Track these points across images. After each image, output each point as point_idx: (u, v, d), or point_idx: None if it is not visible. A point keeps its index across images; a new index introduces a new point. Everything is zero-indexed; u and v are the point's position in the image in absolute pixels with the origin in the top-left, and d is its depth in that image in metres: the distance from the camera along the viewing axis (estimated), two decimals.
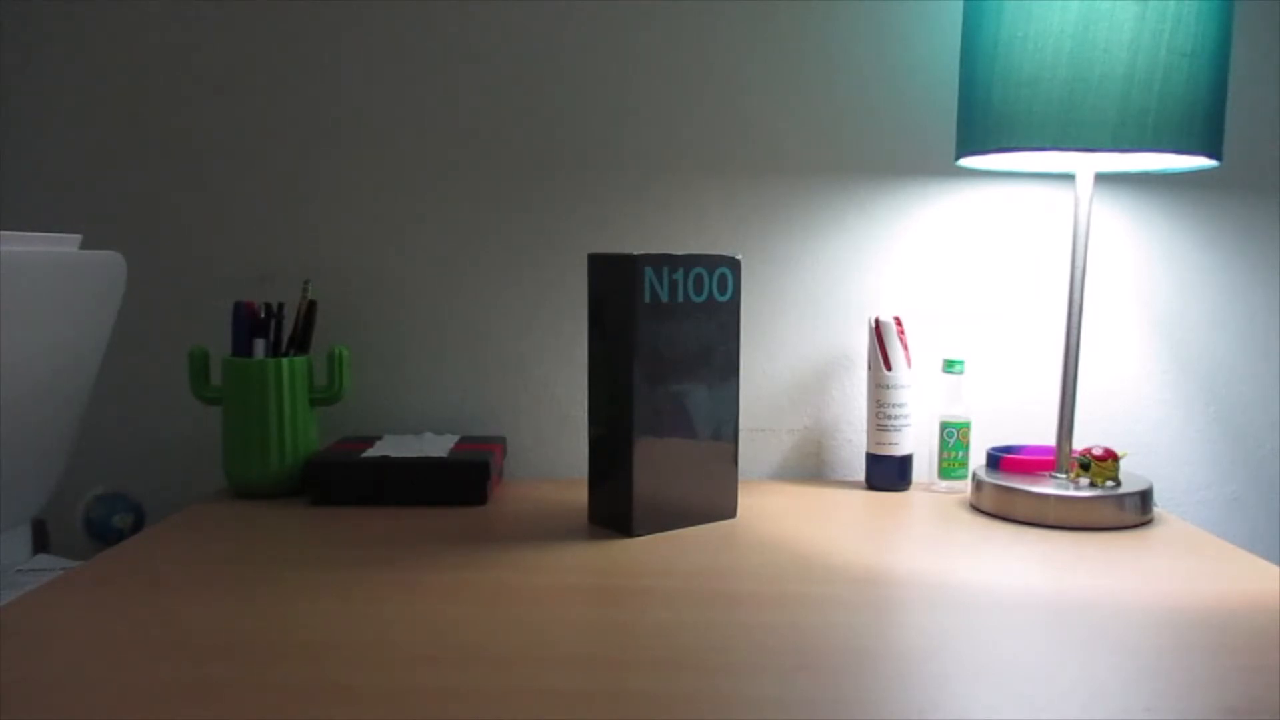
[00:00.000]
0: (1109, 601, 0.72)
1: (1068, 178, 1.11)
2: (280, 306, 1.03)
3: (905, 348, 1.04)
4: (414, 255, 1.13)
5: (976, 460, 1.12)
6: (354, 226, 1.12)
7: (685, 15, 1.09)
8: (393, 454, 1.00)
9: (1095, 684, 0.59)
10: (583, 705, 0.55)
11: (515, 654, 0.62)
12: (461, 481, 0.98)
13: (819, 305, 1.13)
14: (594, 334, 0.91)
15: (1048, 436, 1.14)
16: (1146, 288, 1.12)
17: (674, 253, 1.06)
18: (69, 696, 0.56)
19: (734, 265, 0.93)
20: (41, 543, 1.04)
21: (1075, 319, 0.97)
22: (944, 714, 0.55)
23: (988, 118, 0.90)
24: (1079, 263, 0.96)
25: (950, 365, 1.05)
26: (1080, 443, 1.14)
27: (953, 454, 1.05)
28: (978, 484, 0.99)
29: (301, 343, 1.04)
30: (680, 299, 0.89)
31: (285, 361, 1.00)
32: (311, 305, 1.04)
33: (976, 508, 0.99)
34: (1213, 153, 0.88)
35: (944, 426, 1.05)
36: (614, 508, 0.90)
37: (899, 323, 1.04)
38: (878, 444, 1.06)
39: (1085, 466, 0.96)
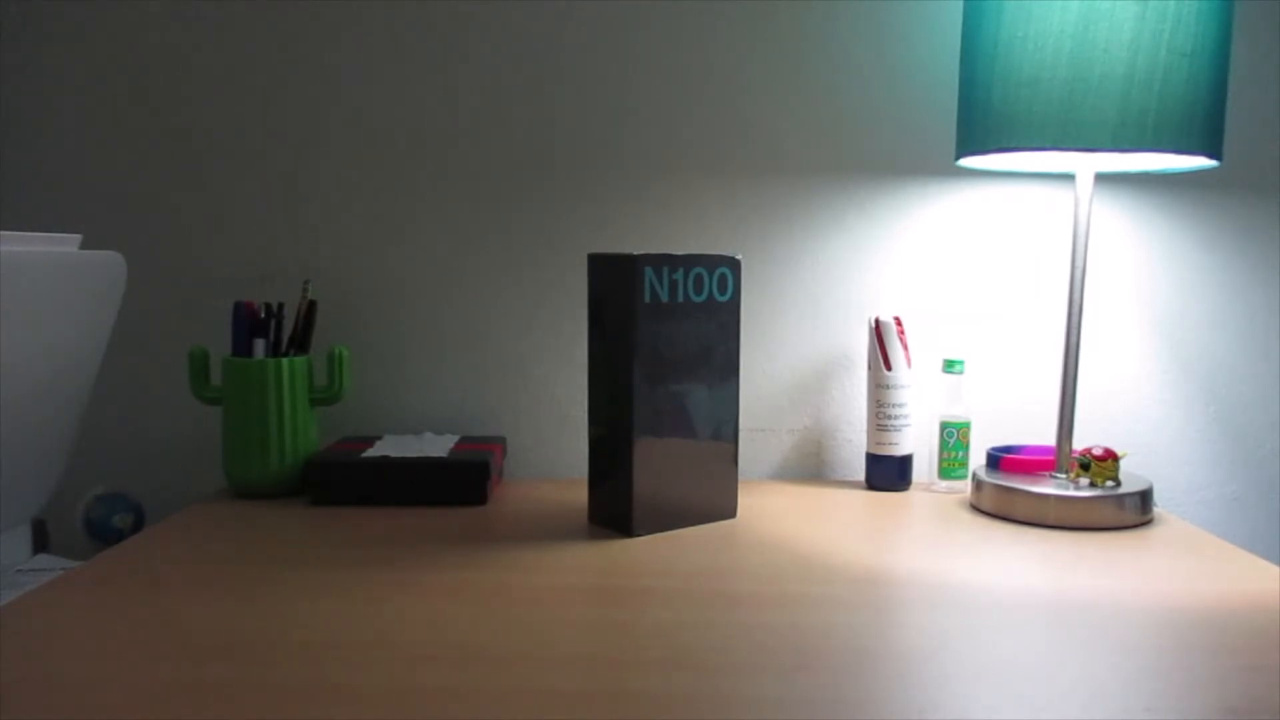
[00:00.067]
0: (1109, 601, 0.72)
1: (1068, 178, 1.11)
2: (280, 306, 1.03)
3: (905, 348, 1.04)
4: (414, 255, 1.13)
5: (976, 460, 1.12)
6: (354, 226, 1.12)
7: (685, 15, 1.09)
8: (393, 454, 1.00)
9: (1095, 684, 0.59)
10: (583, 705, 0.55)
11: (515, 654, 0.62)
12: (461, 481, 0.98)
13: (819, 305, 1.13)
14: (594, 334, 0.91)
15: (1048, 436, 1.14)
16: (1146, 288, 1.12)
17: (674, 253, 1.06)
18: (69, 696, 0.56)
19: (734, 265, 0.93)
20: (41, 543, 1.04)
21: (1075, 319, 0.97)
22: (944, 714, 0.55)
23: (988, 118, 0.90)
24: (1079, 263, 0.96)
25: (950, 365, 1.05)
26: (1080, 443, 1.14)
27: (953, 454, 1.05)
28: (978, 484, 0.99)
29: (301, 343, 1.04)
30: (680, 299, 0.89)
31: (285, 361, 1.00)
32: (311, 305, 1.04)
33: (976, 508, 0.99)
34: (1213, 153, 0.88)
35: (944, 426, 1.05)
36: (614, 508, 0.90)
37: (899, 323, 1.04)
38: (878, 444, 1.06)
39: (1085, 466, 0.96)
